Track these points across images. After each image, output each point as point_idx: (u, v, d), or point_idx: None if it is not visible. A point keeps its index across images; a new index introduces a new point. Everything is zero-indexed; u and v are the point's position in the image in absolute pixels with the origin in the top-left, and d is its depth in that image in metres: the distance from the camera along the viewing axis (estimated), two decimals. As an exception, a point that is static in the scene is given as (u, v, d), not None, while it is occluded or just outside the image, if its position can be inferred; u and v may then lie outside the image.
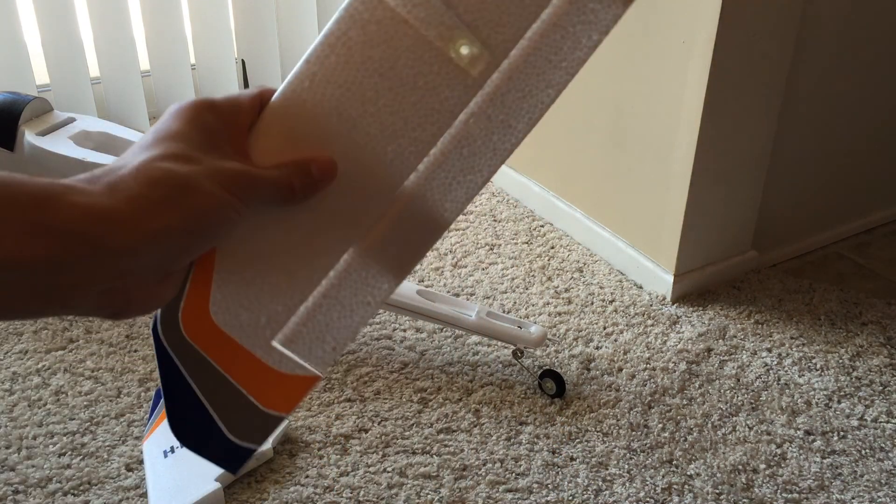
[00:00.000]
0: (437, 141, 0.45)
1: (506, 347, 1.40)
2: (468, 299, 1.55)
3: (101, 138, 1.43)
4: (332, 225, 0.45)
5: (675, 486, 1.16)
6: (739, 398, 1.33)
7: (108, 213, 0.36)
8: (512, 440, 1.23)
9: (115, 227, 0.36)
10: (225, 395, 0.46)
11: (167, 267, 0.40)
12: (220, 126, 0.42)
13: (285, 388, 0.47)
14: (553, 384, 1.30)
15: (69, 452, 1.18)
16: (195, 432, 0.47)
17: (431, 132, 0.44)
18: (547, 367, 1.36)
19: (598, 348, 1.43)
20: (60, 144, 1.36)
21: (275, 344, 0.46)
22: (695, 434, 1.25)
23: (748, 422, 1.28)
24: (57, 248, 0.35)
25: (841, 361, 1.42)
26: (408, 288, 1.35)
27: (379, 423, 1.25)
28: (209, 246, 0.43)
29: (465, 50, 0.44)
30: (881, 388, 1.36)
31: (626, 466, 1.19)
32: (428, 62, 0.44)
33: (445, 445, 1.21)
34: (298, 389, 0.47)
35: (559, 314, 1.52)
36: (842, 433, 1.27)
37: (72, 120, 1.45)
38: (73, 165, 1.34)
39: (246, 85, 1.34)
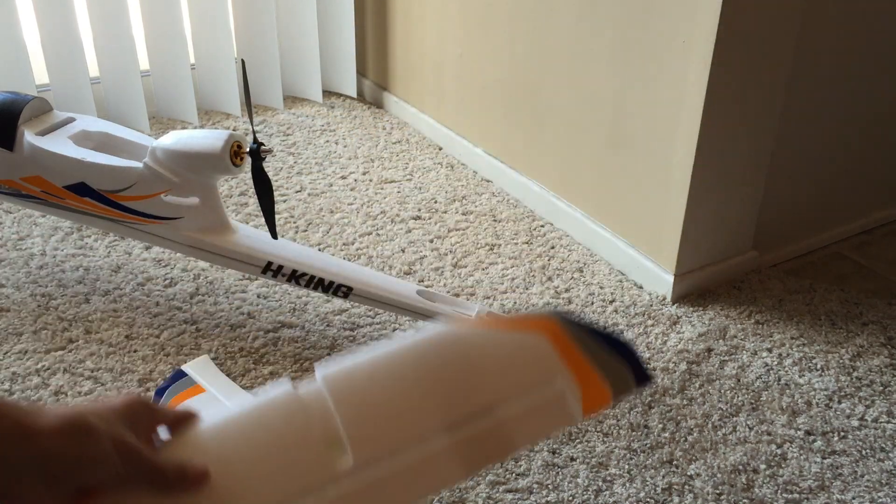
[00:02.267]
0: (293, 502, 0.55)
1: (506, 347, 1.40)
2: (468, 299, 1.55)
3: (101, 138, 1.43)
4: None
5: (675, 487, 1.16)
6: (740, 398, 1.33)
7: (26, 425, 0.50)
8: (512, 440, 1.22)
9: (23, 436, 0.49)
10: None
11: (53, 484, 0.51)
12: (143, 416, 0.55)
13: None
14: (553, 384, 1.30)
15: (69, 453, 1.17)
16: None
17: (288, 492, 0.54)
18: (547, 367, 1.35)
19: (598, 348, 1.43)
20: (60, 144, 1.36)
21: None
22: (695, 434, 1.25)
23: (748, 422, 1.28)
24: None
25: (841, 361, 1.42)
26: (408, 288, 1.35)
27: (379, 424, 1.24)
28: (86, 480, 0.52)
29: (336, 448, 0.56)
30: (882, 388, 1.36)
31: (627, 467, 1.19)
32: (306, 445, 0.56)
33: (445, 446, 1.21)
34: None
35: (559, 314, 1.52)
36: (842, 433, 1.27)
37: (71, 120, 1.44)
38: (72, 165, 1.34)
39: (246, 85, 1.34)
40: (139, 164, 1.32)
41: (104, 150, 1.39)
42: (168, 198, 1.33)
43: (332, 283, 1.33)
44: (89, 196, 1.35)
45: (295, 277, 1.34)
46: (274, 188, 1.61)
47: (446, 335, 0.64)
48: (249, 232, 1.38)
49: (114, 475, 0.52)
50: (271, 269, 1.34)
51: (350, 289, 1.33)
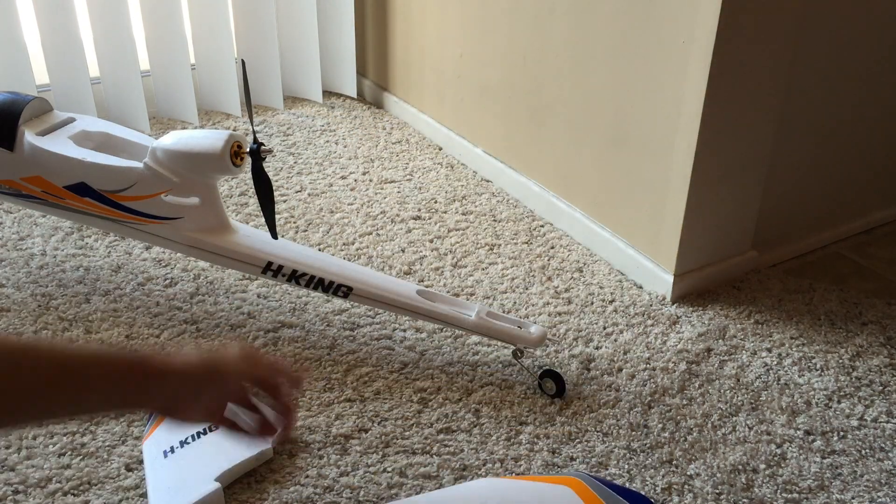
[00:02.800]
0: None
1: (506, 347, 1.40)
2: (468, 299, 1.55)
3: (101, 138, 1.43)
4: None
5: (675, 486, 1.16)
6: (739, 398, 1.33)
7: (167, 363, 0.77)
8: (512, 440, 1.23)
9: (170, 372, 0.77)
10: None
11: (197, 400, 0.80)
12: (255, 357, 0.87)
13: None
14: (553, 384, 1.30)
15: (69, 452, 1.18)
16: None
17: None
18: (547, 367, 1.36)
19: (598, 348, 1.43)
20: (60, 144, 1.36)
21: None
22: (695, 434, 1.25)
23: (748, 422, 1.28)
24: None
25: (841, 361, 1.42)
26: (408, 288, 1.35)
27: (379, 423, 1.25)
28: (222, 400, 0.83)
29: None
30: (881, 388, 1.36)
31: (626, 466, 1.19)
32: None
33: (445, 445, 1.21)
34: None
35: (559, 314, 1.52)
36: (842, 433, 1.27)
37: (72, 120, 1.45)
38: (72, 165, 1.34)
39: (246, 85, 1.34)
40: (139, 165, 1.32)
41: (104, 151, 1.39)
42: (168, 198, 1.33)
43: (332, 283, 1.33)
44: (89, 196, 1.35)
45: (295, 277, 1.34)
46: (274, 188, 1.61)
47: (490, 484, 0.76)
48: (249, 232, 1.39)
49: (239, 395, 0.81)
50: (271, 269, 1.34)
51: (350, 289, 1.33)
